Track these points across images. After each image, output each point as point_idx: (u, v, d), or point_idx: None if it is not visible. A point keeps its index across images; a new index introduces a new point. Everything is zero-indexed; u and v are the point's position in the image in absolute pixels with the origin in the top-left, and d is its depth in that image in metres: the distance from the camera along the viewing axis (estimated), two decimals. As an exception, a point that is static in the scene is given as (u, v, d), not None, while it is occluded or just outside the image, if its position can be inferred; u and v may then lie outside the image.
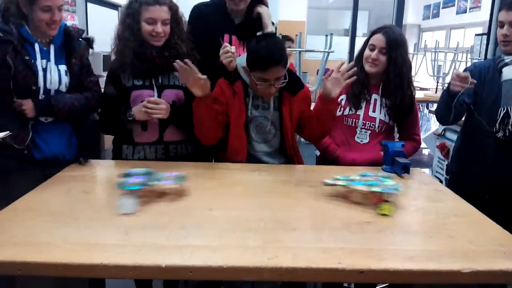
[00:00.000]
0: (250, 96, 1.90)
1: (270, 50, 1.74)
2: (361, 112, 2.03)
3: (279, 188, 1.62)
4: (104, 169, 1.85)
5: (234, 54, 1.87)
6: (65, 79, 1.79)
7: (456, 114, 1.91)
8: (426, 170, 2.08)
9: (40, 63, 1.73)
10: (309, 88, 2.11)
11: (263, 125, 1.92)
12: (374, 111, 2.02)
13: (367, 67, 1.99)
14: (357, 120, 2.03)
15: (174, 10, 1.88)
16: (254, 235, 1.22)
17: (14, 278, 1.15)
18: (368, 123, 2.03)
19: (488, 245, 1.20)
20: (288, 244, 1.17)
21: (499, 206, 1.86)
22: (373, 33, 2.00)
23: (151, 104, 1.81)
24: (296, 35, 3.92)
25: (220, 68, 1.91)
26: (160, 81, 1.91)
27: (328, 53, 3.80)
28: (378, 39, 1.95)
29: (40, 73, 1.73)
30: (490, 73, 1.93)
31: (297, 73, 3.63)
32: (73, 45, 1.82)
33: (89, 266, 1.05)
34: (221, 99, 1.88)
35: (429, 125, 6.00)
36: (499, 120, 1.84)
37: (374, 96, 2.03)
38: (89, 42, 1.91)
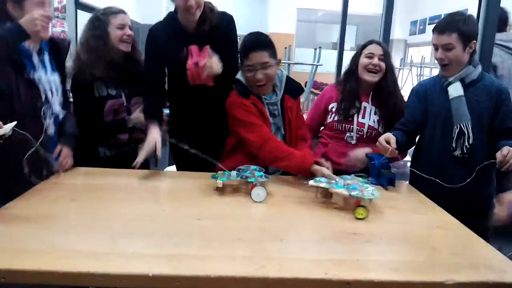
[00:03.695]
0: (265, 104, 1.96)
1: (250, 37, 1.93)
2: (353, 119, 2.11)
3: (267, 198, 1.63)
4: (89, 177, 1.83)
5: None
6: (60, 88, 1.80)
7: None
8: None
9: (39, 75, 1.68)
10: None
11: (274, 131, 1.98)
12: (363, 117, 2.11)
13: (368, 76, 2.08)
14: (348, 125, 2.12)
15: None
16: (242, 245, 1.22)
17: (-1, 286, 1.14)
18: (357, 129, 2.10)
19: (471, 257, 1.22)
20: (276, 254, 1.18)
21: None
22: (366, 44, 2.13)
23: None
24: (286, 48, 3.97)
25: None
26: (131, 89, 2.09)
27: (317, 66, 3.85)
28: (375, 48, 2.09)
29: (41, 87, 1.69)
30: (437, 91, 1.95)
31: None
32: (61, 53, 1.84)
33: (76, 274, 1.04)
34: (257, 114, 1.92)
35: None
36: (455, 138, 1.85)
37: (364, 104, 2.12)
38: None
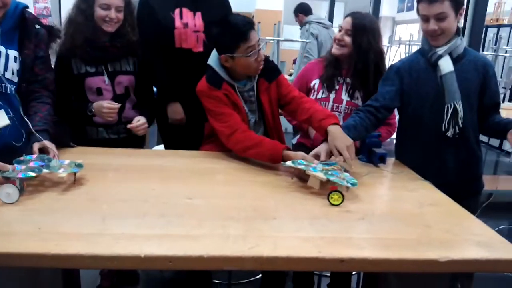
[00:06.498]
0: (238, 93, 1.85)
1: (240, 19, 1.74)
2: (332, 96, 2.07)
3: (259, 177, 1.61)
4: (77, 156, 1.78)
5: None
6: (14, 66, 1.64)
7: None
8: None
9: None
10: (287, 78, 2.10)
11: (249, 118, 1.90)
12: (343, 94, 2.06)
13: (333, 49, 2.04)
14: (327, 103, 2.06)
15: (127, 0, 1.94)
16: (234, 224, 1.21)
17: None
18: (335, 105, 2.06)
19: (463, 234, 1.23)
20: (269, 233, 1.17)
21: None
22: (345, 17, 2.06)
23: (107, 109, 1.89)
24: (274, 24, 3.90)
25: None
26: (112, 67, 1.98)
27: (306, 43, 3.80)
28: (346, 21, 2.01)
29: None
30: (422, 68, 1.82)
31: (275, 62, 3.62)
32: (27, 33, 1.68)
33: (64, 256, 1.01)
34: (229, 104, 1.82)
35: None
36: (448, 118, 1.75)
37: (347, 79, 2.06)
38: (53, 32, 1.79)
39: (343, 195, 1.39)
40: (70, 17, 1.92)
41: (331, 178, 1.42)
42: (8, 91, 1.63)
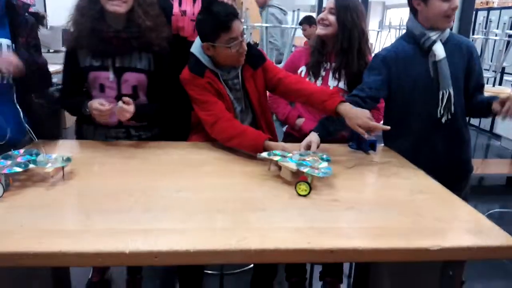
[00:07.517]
0: (222, 81, 1.80)
1: (224, 8, 1.69)
2: (319, 82, 2.03)
3: (247, 168, 1.59)
4: (62, 150, 1.74)
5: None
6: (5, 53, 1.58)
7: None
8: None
9: None
10: (277, 66, 2.05)
11: (235, 107, 1.87)
12: (330, 80, 2.02)
13: (318, 30, 2.00)
14: None
15: None
16: (222, 217, 1.19)
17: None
18: None
19: (454, 222, 1.22)
20: (257, 225, 1.15)
21: None
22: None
23: (95, 111, 1.69)
24: (263, 10, 3.84)
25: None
26: (120, 62, 1.78)
27: (295, 29, 3.75)
28: (329, 1, 1.98)
29: None
30: (409, 55, 1.79)
31: (264, 49, 3.57)
32: (18, 21, 1.64)
33: (47, 254, 0.98)
34: (213, 92, 1.78)
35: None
36: (444, 104, 1.75)
37: (333, 64, 2.02)
38: (39, 19, 1.75)
39: (310, 186, 1.35)
40: (77, 3, 1.74)
41: (302, 169, 1.39)
42: (0, 81, 1.61)
